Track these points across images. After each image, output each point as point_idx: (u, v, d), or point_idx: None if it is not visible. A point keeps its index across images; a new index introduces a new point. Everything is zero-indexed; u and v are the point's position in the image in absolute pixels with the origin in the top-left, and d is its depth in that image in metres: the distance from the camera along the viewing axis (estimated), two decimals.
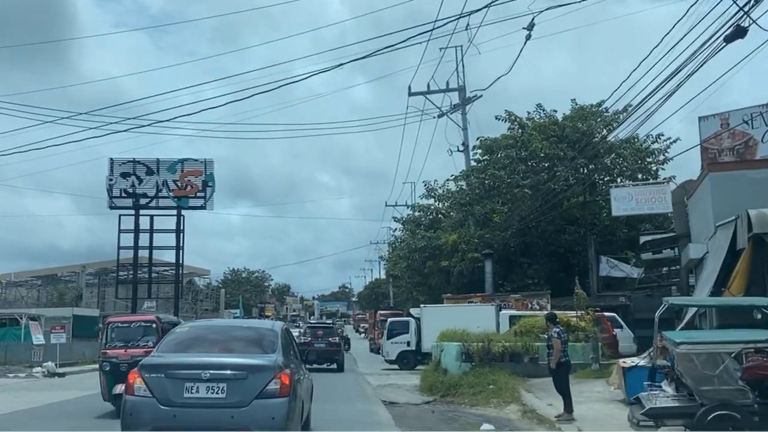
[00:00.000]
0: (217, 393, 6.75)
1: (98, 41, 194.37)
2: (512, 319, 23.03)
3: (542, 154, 28.18)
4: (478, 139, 30.94)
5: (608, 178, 31.03)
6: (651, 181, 25.46)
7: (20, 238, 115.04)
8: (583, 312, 16.56)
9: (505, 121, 30.47)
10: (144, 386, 6.85)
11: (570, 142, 28.38)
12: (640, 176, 29.33)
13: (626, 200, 22.20)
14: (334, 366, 26.15)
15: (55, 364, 25.44)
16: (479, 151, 30.60)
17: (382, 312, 47.43)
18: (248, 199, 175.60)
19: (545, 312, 24.13)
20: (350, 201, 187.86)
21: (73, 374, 26.34)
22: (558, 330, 11.07)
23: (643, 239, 18.97)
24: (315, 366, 23.86)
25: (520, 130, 29.48)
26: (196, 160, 50.54)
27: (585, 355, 15.45)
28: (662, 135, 28.86)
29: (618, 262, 28.95)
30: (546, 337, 11.04)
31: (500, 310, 25.63)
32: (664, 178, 23.85)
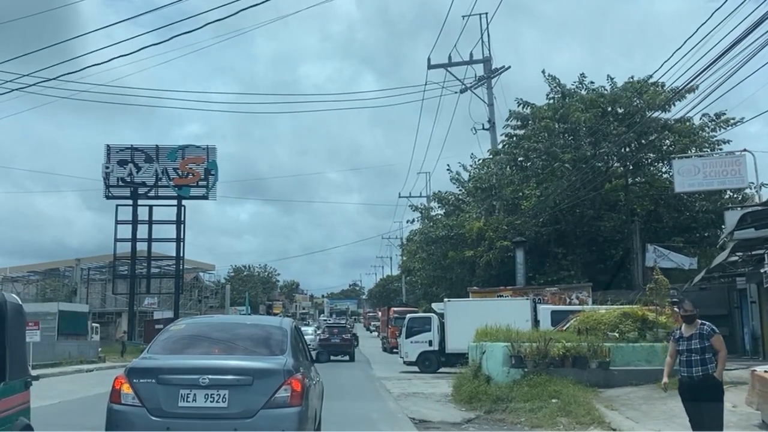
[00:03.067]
0: (217, 402, 5.89)
1: (104, 39, 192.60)
2: (554, 315, 19.94)
3: (585, 127, 24.68)
4: (518, 102, 27.11)
5: (653, 155, 27.56)
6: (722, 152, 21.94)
7: (21, 233, 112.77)
8: (659, 304, 13.09)
9: (550, 87, 26.99)
10: (132, 393, 5.97)
11: (618, 117, 24.90)
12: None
13: (692, 174, 18.76)
14: (347, 358, 32.05)
15: (29, 366, 22.21)
16: (513, 122, 26.96)
17: (396, 309, 44.92)
18: (256, 195, 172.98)
19: (584, 306, 21.11)
20: (360, 197, 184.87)
21: (50, 377, 23.18)
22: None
23: (730, 214, 15.55)
24: (330, 358, 30.16)
25: (560, 100, 25.85)
26: (198, 147, 47.49)
27: None
28: (724, 113, 25.21)
29: (668, 251, 25.50)
30: (692, 333, 6.45)
31: (536, 305, 22.61)
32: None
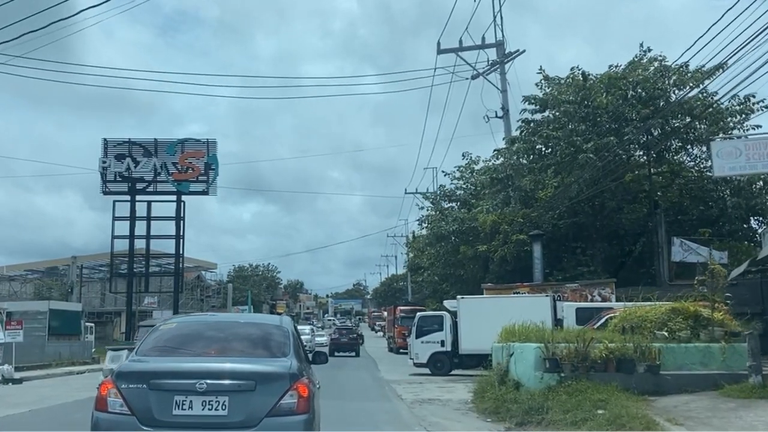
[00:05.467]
0: (216, 409, 5.31)
1: (106, 37, 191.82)
2: (580, 313, 18.40)
3: (607, 112, 22.99)
4: (539, 83, 25.22)
5: (678, 143, 25.88)
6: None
7: (20, 232, 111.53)
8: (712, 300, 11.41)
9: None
10: (120, 400, 5.36)
11: (641, 100, 23.23)
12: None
13: (732, 156, 16.99)
14: (353, 354, 37.03)
15: (12, 368, 20.77)
16: (530, 105, 25.11)
17: (402, 308, 43.70)
18: (258, 194, 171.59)
19: (611, 303, 19.52)
20: (364, 196, 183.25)
21: (35, 379, 21.83)
22: None
23: None
24: (328, 360, 34.05)
25: (582, 81, 24.06)
26: (198, 141, 45.86)
27: (728, 362, 10.44)
28: (753, 95, 23.46)
29: (696, 245, 23.82)
30: None
31: (556, 302, 21.10)
32: None
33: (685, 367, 10.60)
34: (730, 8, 13.35)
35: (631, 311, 11.89)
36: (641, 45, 25.01)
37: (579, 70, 24.54)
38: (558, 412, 9.48)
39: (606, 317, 14.33)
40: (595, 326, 14.40)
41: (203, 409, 5.32)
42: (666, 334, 10.83)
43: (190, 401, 5.34)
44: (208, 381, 5.35)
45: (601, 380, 10.20)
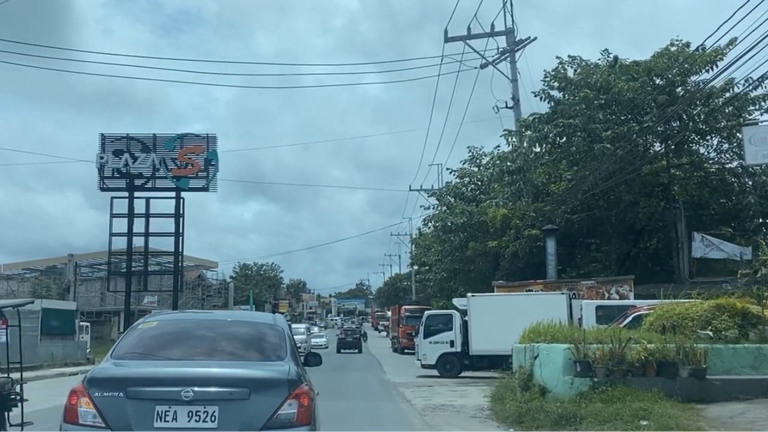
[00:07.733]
0: (204, 420, 4.75)
1: (108, 38, 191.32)
2: (600, 311, 17.30)
3: (626, 99, 21.78)
4: (558, 65, 24.02)
5: (697, 136, 24.67)
6: None
7: (22, 231, 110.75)
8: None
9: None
10: (93, 410, 4.77)
11: (657, 87, 22.08)
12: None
13: (766, 143, 15.97)
14: (356, 350, 42.47)
15: None
16: (552, 82, 23.61)
17: (407, 307, 42.85)
18: (261, 194, 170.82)
19: (633, 301, 18.41)
20: (366, 194, 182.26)
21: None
22: None
23: None
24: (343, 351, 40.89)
25: (611, 65, 22.76)
26: (198, 136, 44.51)
27: None
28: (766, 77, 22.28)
29: (718, 240, 22.66)
30: None
31: (572, 300, 20.08)
32: None
33: (733, 371, 9.46)
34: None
35: (668, 308, 10.73)
36: (677, 37, 23.84)
37: (610, 54, 23.33)
38: (594, 422, 8.34)
39: (633, 315, 13.18)
40: (622, 325, 13.28)
41: (189, 421, 4.78)
42: (710, 333, 9.69)
43: (174, 412, 4.79)
44: (195, 388, 4.81)
45: (639, 386, 9.08)
